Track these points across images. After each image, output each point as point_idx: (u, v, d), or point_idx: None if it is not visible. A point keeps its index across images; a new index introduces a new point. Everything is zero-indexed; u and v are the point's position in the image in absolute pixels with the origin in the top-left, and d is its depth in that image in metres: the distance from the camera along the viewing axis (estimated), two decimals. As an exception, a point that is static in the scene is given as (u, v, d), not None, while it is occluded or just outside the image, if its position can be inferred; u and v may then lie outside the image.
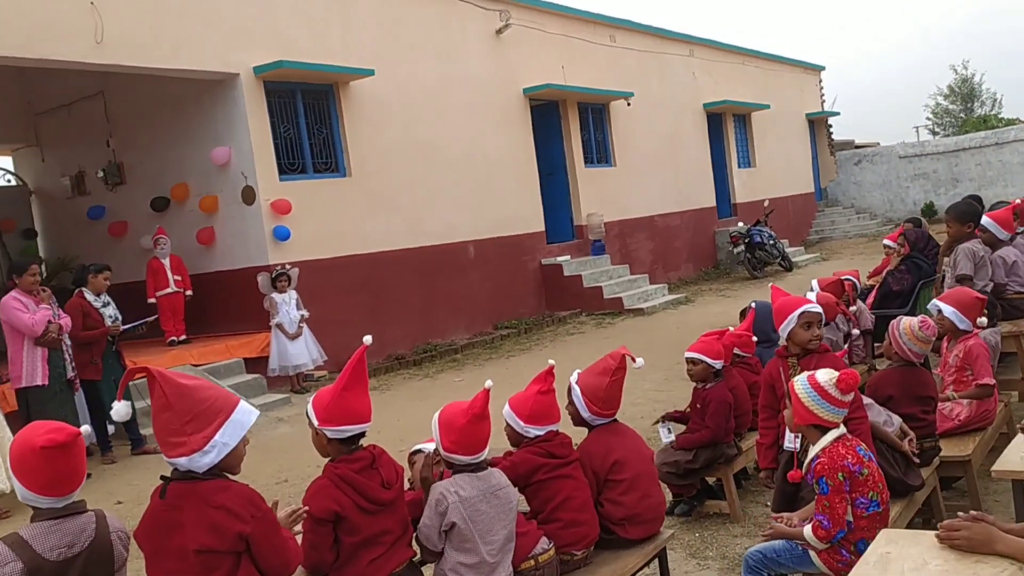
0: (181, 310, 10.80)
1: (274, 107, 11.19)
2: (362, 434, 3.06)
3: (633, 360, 3.73)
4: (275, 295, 10.28)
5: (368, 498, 2.93)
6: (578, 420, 3.82)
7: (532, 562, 3.27)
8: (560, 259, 14.93)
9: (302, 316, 10.41)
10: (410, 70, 12.74)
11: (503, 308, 13.96)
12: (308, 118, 11.60)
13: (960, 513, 2.52)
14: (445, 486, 3.09)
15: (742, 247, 17.48)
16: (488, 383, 3.24)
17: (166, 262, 10.69)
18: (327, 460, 3.07)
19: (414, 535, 3.13)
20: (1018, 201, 7.07)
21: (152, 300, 10.57)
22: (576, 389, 3.78)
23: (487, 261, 13.81)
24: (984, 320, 5.01)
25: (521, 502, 3.51)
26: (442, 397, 9.43)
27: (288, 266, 10.52)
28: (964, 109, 45.94)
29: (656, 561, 3.79)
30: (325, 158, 11.81)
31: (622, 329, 13.03)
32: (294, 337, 10.28)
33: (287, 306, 10.31)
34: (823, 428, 3.15)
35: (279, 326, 10.25)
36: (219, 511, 2.48)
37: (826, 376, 3.15)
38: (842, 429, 3.16)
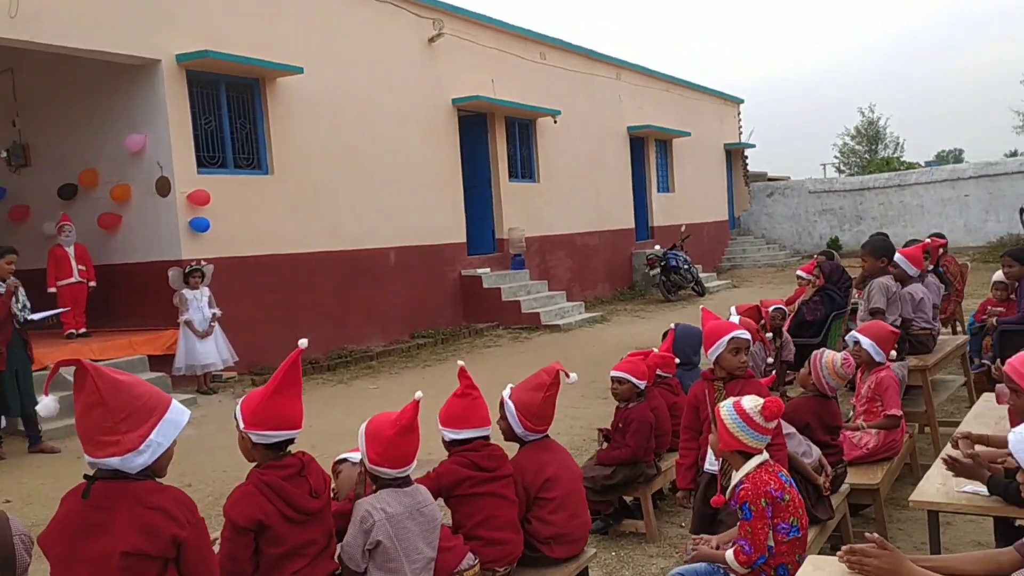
0: (83, 301, 10.30)
1: (196, 97, 10.84)
2: (291, 440, 2.95)
3: (567, 376, 3.71)
4: (186, 291, 9.92)
5: (295, 507, 2.82)
6: (510, 435, 3.78)
7: None
8: (480, 271, 14.92)
9: (214, 314, 10.07)
10: (340, 71, 12.55)
11: (420, 317, 13.84)
12: (231, 111, 11.29)
13: (867, 534, 2.57)
14: (371, 503, 3.00)
15: (658, 270, 17.81)
16: (418, 394, 3.15)
17: (70, 250, 10.20)
18: (252, 465, 2.93)
19: (338, 551, 3.03)
20: (928, 240, 7.41)
21: (52, 290, 10.05)
22: (509, 404, 3.73)
23: (407, 269, 13.68)
24: (895, 353, 5.20)
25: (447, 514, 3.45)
26: (356, 404, 9.28)
27: (203, 262, 10.17)
28: (869, 150, 48.09)
29: (577, 579, 3.77)
30: (247, 154, 11.51)
31: (538, 345, 13.08)
32: (204, 336, 9.94)
33: (198, 303, 9.96)
34: (747, 454, 3.19)
35: (188, 323, 9.89)
36: (155, 512, 2.33)
37: (751, 403, 3.19)
38: (765, 455, 3.21)
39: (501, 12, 17.21)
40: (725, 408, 3.24)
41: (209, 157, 11.02)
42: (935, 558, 2.67)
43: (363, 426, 3.16)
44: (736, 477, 3.19)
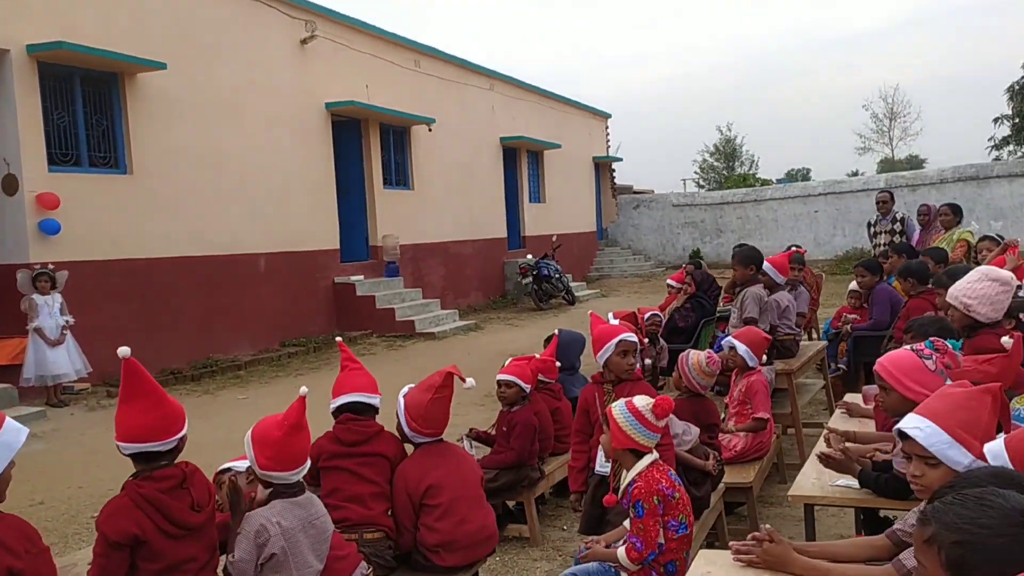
0: (-84, 308, 9.44)
1: (48, 91, 10.18)
2: (175, 450, 2.77)
3: (463, 380, 3.67)
4: (36, 297, 9.25)
5: (174, 522, 2.65)
6: (403, 436, 3.72)
7: None
8: (353, 279, 14.65)
9: (67, 322, 9.43)
10: (206, 69, 12.07)
11: (291, 325, 13.44)
12: (87, 107, 10.65)
13: (766, 527, 2.69)
14: (266, 516, 2.85)
15: (530, 278, 18.02)
16: (303, 390, 3.03)
17: (-99, 252, 9.33)
18: (129, 476, 2.74)
19: (221, 563, 2.87)
20: (793, 250, 7.80)
21: None
22: (400, 403, 3.68)
23: (277, 276, 13.27)
24: (765, 358, 5.45)
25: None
26: (224, 415, 8.89)
27: (52, 267, 9.51)
28: (727, 167, 50.49)
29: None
30: (104, 152, 10.87)
31: (413, 352, 12.96)
32: (55, 344, 9.28)
33: (50, 309, 9.30)
34: (638, 453, 3.25)
35: (38, 331, 9.21)
36: None
37: (643, 402, 3.26)
38: (655, 454, 3.28)
39: (376, 18, 17.08)
40: (617, 408, 3.29)
41: (62, 154, 10.35)
42: (815, 545, 2.80)
43: (248, 432, 3.02)
44: (628, 476, 3.24)
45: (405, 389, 3.76)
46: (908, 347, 3.20)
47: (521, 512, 5.24)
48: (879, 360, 3.17)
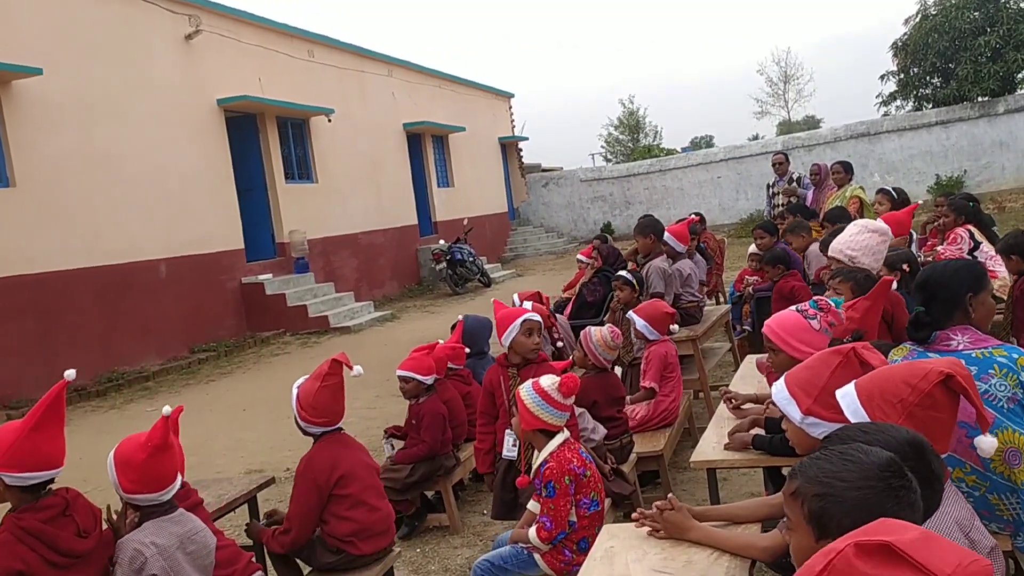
0: None
1: (-87, 104, 9.59)
2: (51, 480, 2.65)
3: (350, 368, 3.62)
4: (-83, 323, 8.75)
5: (61, 551, 2.55)
6: (300, 428, 3.65)
7: None
8: (261, 278, 14.32)
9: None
10: (86, 72, 11.54)
11: (200, 330, 13.07)
12: (-41, 119, 10.08)
13: (669, 495, 2.74)
14: (139, 539, 2.74)
15: (444, 264, 17.93)
16: (166, 409, 2.92)
17: None
18: (7, 512, 2.61)
19: None
20: (694, 217, 7.93)
21: None
22: (293, 393, 3.61)
23: (180, 281, 12.86)
24: (676, 327, 5.53)
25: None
26: (133, 429, 8.49)
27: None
28: (632, 139, 51.12)
29: (383, 581, 3.69)
30: (-18, 165, 10.32)
31: (329, 348, 12.76)
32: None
33: (-66, 336, 8.82)
34: (549, 433, 3.26)
35: (-77, 360, 8.73)
36: None
37: (549, 381, 3.28)
38: (566, 433, 3.30)
39: (265, 9, 16.64)
40: (524, 389, 3.30)
41: (-65, 170, 9.79)
42: (716, 508, 2.87)
43: (111, 454, 2.89)
44: (540, 456, 3.25)
45: (299, 381, 3.69)
46: (794, 308, 3.29)
47: (440, 501, 5.23)
48: (767, 323, 3.25)
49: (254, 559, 3.28)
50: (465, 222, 20.40)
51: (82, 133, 11.37)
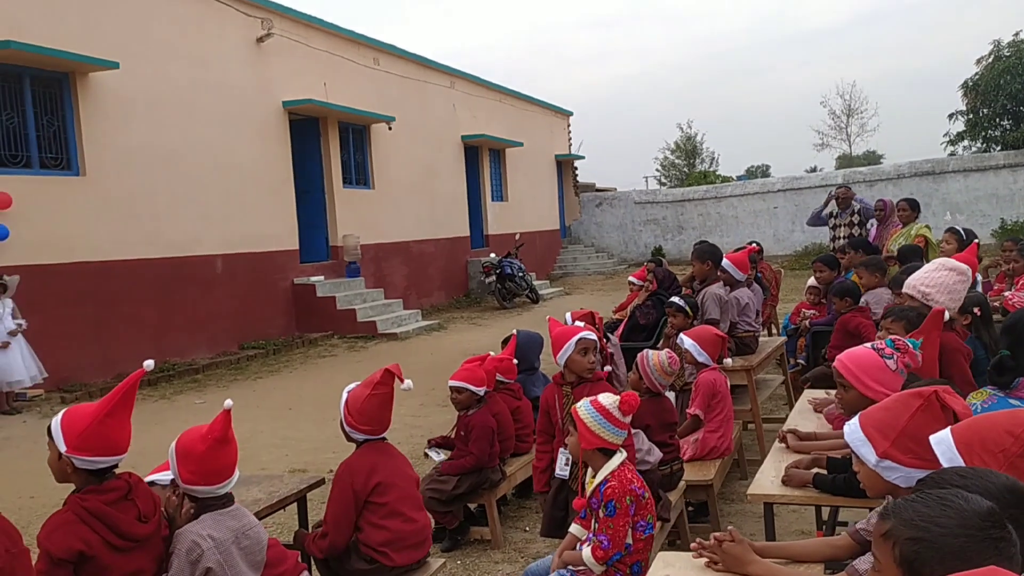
0: None
1: (-5, 90, 9.91)
2: (115, 465, 2.69)
3: (401, 380, 3.62)
4: (-16, 302, 9.00)
5: (121, 534, 2.57)
6: (345, 434, 3.66)
7: None
8: (313, 279, 14.49)
9: (18, 325, 9.18)
10: (159, 69, 11.84)
11: (250, 327, 13.25)
12: (37, 107, 10.40)
13: (729, 527, 2.67)
14: (196, 531, 2.76)
15: (493, 277, 17.97)
16: (228, 403, 2.93)
17: None
18: (68, 490, 2.65)
19: None
20: (754, 247, 7.83)
21: None
22: (343, 398, 3.63)
23: (234, 277, 13.07)
24: (729, 360, 5.44)
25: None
26: (182, 420, 8.72)
27: (5, 276, 9.26)
28: (687, 164, 50.84)
29: (427, 591, 3.67)
30: (55, 153, 10.62)
31: (375, 353, 12.85)
32: (2, 347, 9.01)
33: (-1, 315, 9.07)
34: (608, 452, 3.22)
35: (-13, 338, 8.97)
36: None
37: (609, 399, 3.24)
38: (624, 454, 3.25)
39: (334, 15, 16.93)
40: (583, 407, 3.26)
41: (11, 156, 10.09)
42: (776, 545, 2.79)
43: (173, 444, 2.92)
44: (600, 475, 3.21)
45: (351, 386, 3.70)
46: (869, 345, 3.21)
47: (483, 514, 5.20)
48: (839, 357, 3.17)
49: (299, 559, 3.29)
50: (517, 237, 20.43)
51: (151, 128, 11.64)
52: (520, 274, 18.29)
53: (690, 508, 4.99)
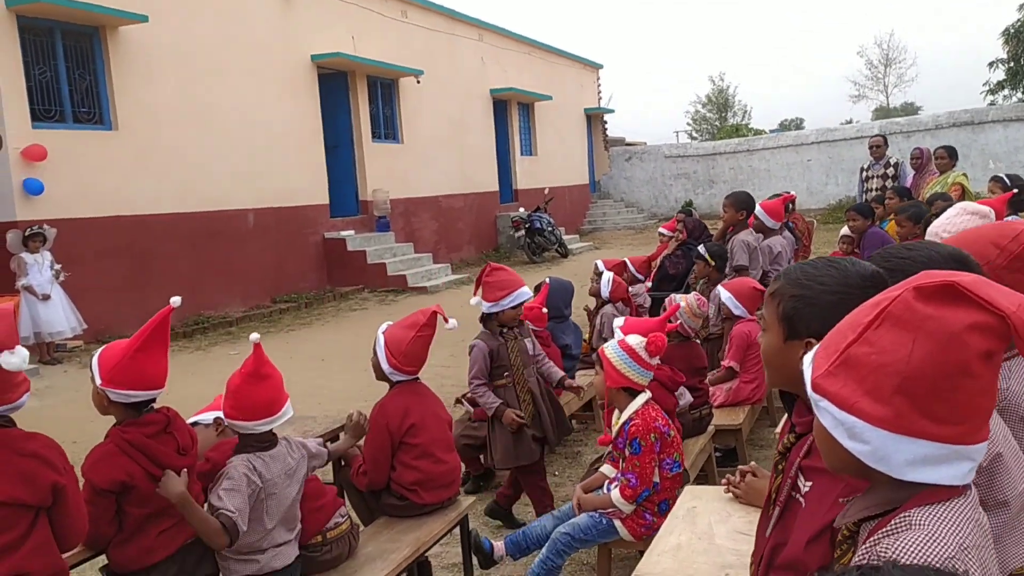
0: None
1: (28, 45, 9.99)
2: (153, 399, 2.75)
3: (446, 320, 3.65)
4: (25, 255, 9.19)
5: (161, 465, 2.65)
6: (379, 374, 3.67)
7: (320, 538, 3.09)
8: (344, 234, 14.58)
9: (56, 271, 9.37)
10: (188, 22, 11.84)
11: (282, 281, 13.41)
12: (68, 62, 10.47)
13: (752, 463, 2.70)
14: (246, 464, 2.80)
15: (523, 232, 17.95)
16: (254, 336, 2.92)
17: None
18: (105, 430, 2.73)
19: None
20: (791, 194, 7.74)
21: None
22: (380, 339, 3.62)
23: (266, 232, 13.19)
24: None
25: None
26: (217, 371, 8.89)
27: (46, 226, 9.43)
28: (719, 117, 50.09)
29: (458, 528, 3.75)
30: (88, 107, 10.72)
31: (405, 306, 12.93)
32: (45, 298, 9.22)
33: (39, 267, 9.25)
34: (632, 392, 3.24)
35: (28, 288, 9.16)
36: (32, 459, 2.23)
37: (636, 340, 3.25)
38: (648, 393, 3.27)
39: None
40: (611, 347, 3.28)
41: (45, 110, 10.20)
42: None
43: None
44: (625, 414, 3.24)
45: (384, 326, 3.72)
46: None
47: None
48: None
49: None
50: (546, 191, 20.33)
51: (181, 83, 11.69)
52: (549, 229, 18.24)
53: (718, 454, 5.03)
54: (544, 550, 3.34)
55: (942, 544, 1.14)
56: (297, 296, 13.31)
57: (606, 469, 3.49)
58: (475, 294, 4.57)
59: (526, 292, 4.34)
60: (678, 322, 4.55)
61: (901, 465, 1.20)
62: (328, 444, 3.38)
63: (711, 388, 5.05)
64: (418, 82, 16.61)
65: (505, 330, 4.34)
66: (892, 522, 1.20)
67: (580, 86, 25.87)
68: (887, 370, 1.19)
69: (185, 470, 2.73)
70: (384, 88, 16.29)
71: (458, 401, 5.40)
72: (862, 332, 1.24)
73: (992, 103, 23.48)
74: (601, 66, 27.71)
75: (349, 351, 9.41)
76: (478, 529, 3.94)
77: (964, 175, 9.15)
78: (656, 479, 3.14)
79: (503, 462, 4.32)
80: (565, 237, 19.43)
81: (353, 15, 15.20)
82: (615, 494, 3.19)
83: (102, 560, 2.80)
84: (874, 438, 1.20)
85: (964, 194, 8.74)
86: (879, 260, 1.84)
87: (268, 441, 2.92)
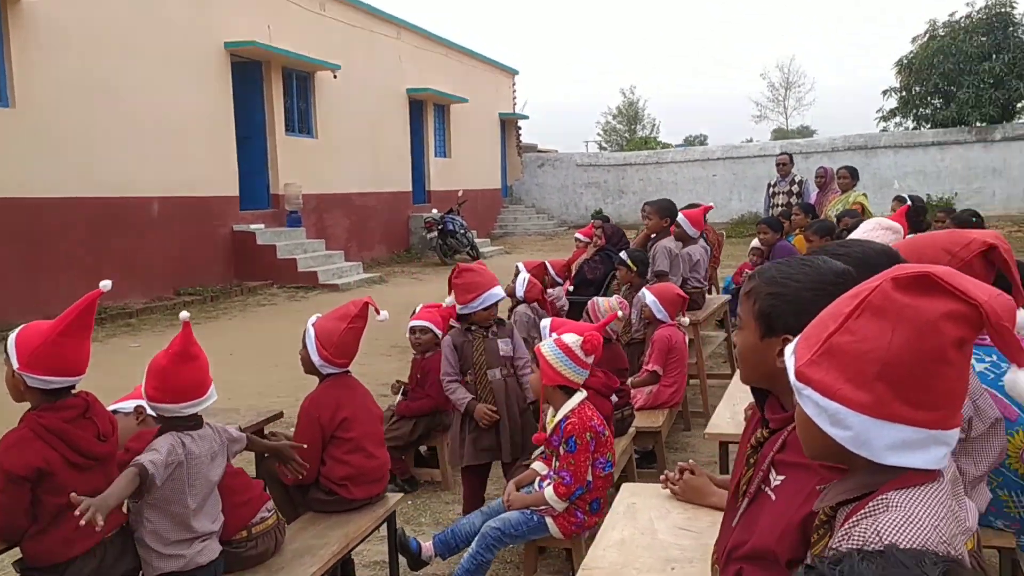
0: None
1: (-82, 11, 9.37)
2: (71, 387, 2.61)
3: (377, 312, 3.59)
4: (-94, 235, 8.60)
5: (80, 451, 2.52)
6: (308, 367, 3.59)
7: (245, 533, 3.00)
8: (253, 227, 14.20)
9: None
10: (96, -1, 11.33)
11: (187, 273, 12.94)
12: (-37, 32, 9.87)
13: (690, 461, 2.75)
14: (173, 438, 2.69)
15: (435, 233, 17.88)
16: (183, 315, 2.84)
17: None
18: (27, 410, 2.58)
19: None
20: (711, 205, 7.96)
21: None
22: (310, 331, 3.54)
23: (171, 221, 12.71)
24: (686, 319, 5.54)
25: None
26: (116, 363, 8.51)
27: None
28: (629, 130, 51.10)
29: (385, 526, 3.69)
30: (-17, 82, 10.12)
31: (316, 303, 12.69)
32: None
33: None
34: (568, 390, 3.26)
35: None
36: None
37: (572, 338, 3.27)
38: (584, 393, 3.30)
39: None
40: (547, 345, 3.29)
41: (-66, 82, 9.59)
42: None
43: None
44: (560, 413, 3.25)
45: (313, 318, 3.65)
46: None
47: (433, 456, 5.23)
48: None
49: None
50: (460, 194, 20.30)
51: (86, 60, 11.17)
52: (462, 231, 18.22)
53: (637, 455, 5.11)
54: (474, 544, 3.32)
55: (919, 525, 1.19)
56: (202, 289, 12.87)
57: (538, 466, 3.50)
58: (449, 294, 4.54)
59: (497, 293, 4.26)
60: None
61: (881, 450, 1.25)
62: (249, 434, 3.27)
63: (632, 391, 5.13)
64: (335, 76, 16.35)
65: (474, 327, 4.25)
66: (869, 504, 1.25)
67: (496, 91, 25.96)
68: (868, 357, 1.24)
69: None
70: (300, 81, 15.96)
71: (394, 388, 5.33)
72: (843, 321, 1.28)
73: (884, 130, 24.70)
74: (517, 72, 27.89)
75: (259, 347, 9.18)
76: (404, 528, 3.89)
77: (864, 195, 9.61)
78: (589, 478, 3.17)
79: (466, 459, 4.19)
80: (476, 240, 19.44)
81: (270, 4, 14.85)
82: (548, 491, 3.20)
83: (16, 554, 2.64)
84: (856, 423, 1.24)
85: (864, 212, 9.18)
86: (820, 252, 1.91)
87: (194, 423, 2.82)
